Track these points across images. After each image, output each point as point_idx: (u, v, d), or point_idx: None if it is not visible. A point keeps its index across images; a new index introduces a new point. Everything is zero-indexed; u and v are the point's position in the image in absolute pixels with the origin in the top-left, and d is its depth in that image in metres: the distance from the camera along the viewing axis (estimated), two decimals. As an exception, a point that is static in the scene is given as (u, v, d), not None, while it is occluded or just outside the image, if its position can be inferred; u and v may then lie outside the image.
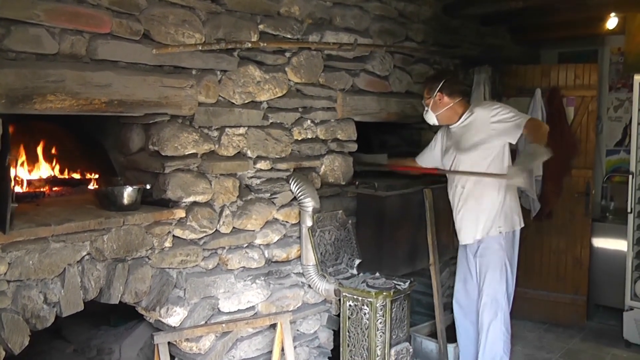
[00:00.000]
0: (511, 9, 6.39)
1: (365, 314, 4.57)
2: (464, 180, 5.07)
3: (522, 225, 5.15)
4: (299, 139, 4.87)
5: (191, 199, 4.13)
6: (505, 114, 4.89)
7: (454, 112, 5.12)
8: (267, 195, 4.67)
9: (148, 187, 4.02)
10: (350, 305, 4.66)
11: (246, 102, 4.44)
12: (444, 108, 5.10)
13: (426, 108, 5.18)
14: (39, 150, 4.46)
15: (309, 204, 4.74)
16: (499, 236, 4.99)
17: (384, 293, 4.51)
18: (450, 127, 5.22)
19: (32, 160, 4.40)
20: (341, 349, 4.78)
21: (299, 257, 4.90)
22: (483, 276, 5.06)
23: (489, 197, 4.98)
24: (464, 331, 5.42)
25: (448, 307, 6.37)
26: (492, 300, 5.02)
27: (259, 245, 4.65)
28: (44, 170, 4.46)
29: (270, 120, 4.64)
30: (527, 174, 4.68)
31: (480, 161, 4.94)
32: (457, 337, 5.49)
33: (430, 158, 5.48)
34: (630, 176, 6.44)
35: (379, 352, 4.54)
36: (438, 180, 5.59)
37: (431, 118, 5.20)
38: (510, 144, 4.98)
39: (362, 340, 4.61)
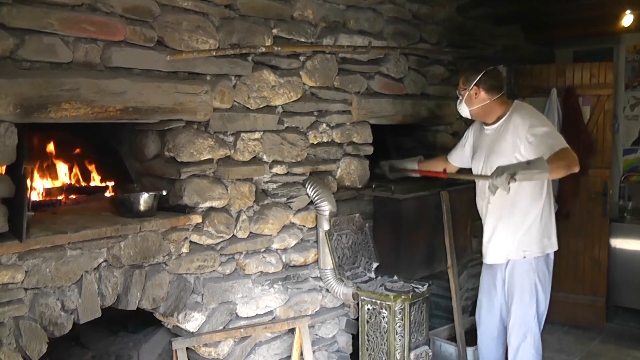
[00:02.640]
0: (525, 8, 6.36)
1: (383, 317, 4.55)
2: (489, 193, 4.39)
3: (556, 248, 4.80)
4: (315, 142, 4.86)
5: (207, 204, 4.13)
6: (542, 131, 4.43)
7: (491, 110, 4.74)
8: (284, 199, 4.66)
9: (164, 193, 4.02)
10: (368, 309, 4.64)
11: (261, 106, 4.44)
12: (480, 104, 4.71)
13: (460, 98, 4.83)
14: (55, 158, 4.48)
15: (326, 207, 4.73)
16: (529, 258, 4.68)
17: (403, 296, 4.49)
18: (484, 127, 4.88)
19: (48, 168, 4.41)
20: (360, 353, 4.76)
21: (317, 261, 4.89)
22: (512, 297, 4.77)
23: (517, 217, 4.68)
24: (486, 349, 5.13)
25: (467, 310, 6.35)
26: (521, 323, 4.76)
27: (276, 249, 4.64)
28: (60, 178, 4.47)
29: (286, 125, 4.63)
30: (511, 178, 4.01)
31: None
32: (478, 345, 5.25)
33: (460, 156, 5.23)
34: (648, 175, 6.40)
35: (398, 356, 4.52)
36: (455, 182, 5.56)
37: (464, 110, 4.84)
38: None
39: (381, 344, 4.59)
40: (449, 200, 5.45)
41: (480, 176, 4.68)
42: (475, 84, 4.68)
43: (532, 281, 4.70)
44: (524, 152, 4.46)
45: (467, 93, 4.74)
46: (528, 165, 4.12)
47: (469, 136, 5.15)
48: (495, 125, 4.75)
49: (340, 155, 5.09)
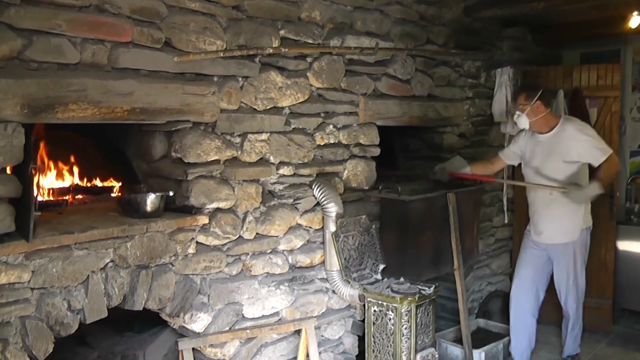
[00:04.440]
0: (532, 10, 6.34)
1: (390, 319, 4.55)
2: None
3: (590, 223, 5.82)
4: (322, 144, 4.86)
5: (214, 205, 4.13)
6: (595, 140, 5.38)
7: (546, 122, 5.48)
8: (290, 200, 4.66)
9: (171, 194, 4.03)
10: (375, 311, 4.64)
11: (268, 107, 4.44)
12: (539, 116, 5.45)
13: (518, 113, 5.53)
14: (62, 159, 4.48)
15: (332, 209, 4.73)
16: (581, 234, 5.65)
17: (409, 298, 4.49)
18: (538, 135, 5.59)
19: (55, 169, 4.42)
20: (366, 355, 4.77)
21: (323, 263, 4.89)
22: (570, 271, 5.68)
23: (572, 204, 5.47)
24: (522, 323, 5.84)
25: (473, 312, 6.33)
26: (579, 291, 5.78)
27: (283, 251, 4.64)
28: (67, 178, 4.48)
29: (293, 126, 4.63)
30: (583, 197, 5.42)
31: (562, 172, 5.45)
32: (512, 320, 5.91)
33: (510, 155, 5.96)
34: (655, 177, 6.38)
35: (404, 358, 4.52)
36: (461, 184, 5.58)
37: (524, 123, 5.53)
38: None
39: (388, 346, 4.59)
40: (455, 202, 5.44)
41: (547, 185, 5.55)
42: (537, 99, 5.42)
43: (583, 255, 5.77)
44: (577, 153, 5.40)
45: (528, 107, 5.45)
46: (586, 194, 5.41)
47: (519, 141, 5.86)
48: (550, 134, 5.51)
49: (347, 156, 5.09)
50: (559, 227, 5.58)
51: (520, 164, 5.97)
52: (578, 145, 5.38)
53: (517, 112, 5.57)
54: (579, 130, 5.45)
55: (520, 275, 5.87)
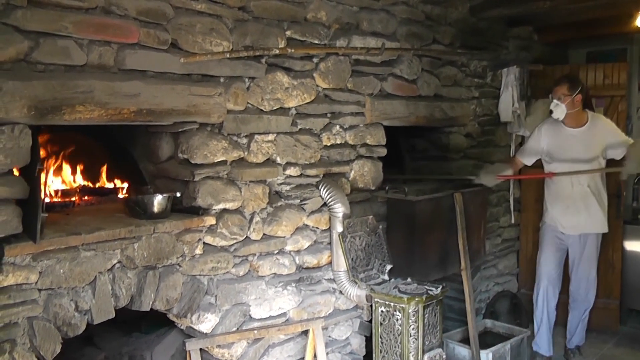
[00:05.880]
0: (538, 9, 6.33)
1: (397, 319, 4.54)
2: (588, 180, 5.82)
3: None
4: (328, 144, 4.85)
5: (221, 206, 4.13)
6: (619, 133, 5.81)
7: (579, 116, 5.80)
8: (297, 201, 4.66)
9: (178, 195, 4.03)
10: (382, 311, 4.64)
11: (275, 108, 4.44)
12: (576, 109, 5.74)
13: (557, 102, 5.72)
14: (69, 160, 4.49)
15: (339, 209, 4.72)
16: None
17: (416, 299, 4.49)
18: (568, 129, 5.85)
19: (62, 170, 4.42)
20: (374, 355, 4.76)
21: (330, 263, 4.89)
22: (593, 260, 6.01)
23: (605, 196, 5.93)
24: (551, 319, 6.15)
25: (480, 313, 6.32)
26: (593, 282, 6.05)
27: (290, 251, 4.64)
28: (74, 180, 4.48)
29: (299, 126, 4.63)
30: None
31: (597, 163, 5.75)
32: (540, 316, 6.17)
33: (533, 155, 6.13)
34: (663, 177, 6.36)
35: (412, 359, 4.51)
36: (468, 184, 5.58)
37: (561, 113, 5.73)
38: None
39: (395, 347, 4.58)
40: (462, 202, 5.43)
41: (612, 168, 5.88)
42: (578, 92, 5.69)
43: (598, 251, 6.07)
44: (607, 145, 5.74)
45: (570, 99, 5.69)
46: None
47: (540, 140, 6.05)
48: (582, 128, 5.82)
49: (353, 157, 5.08)
50: (594, 217, 5.87)
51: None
52: (610, 134, 5.75)
53: (556, 102, 5.73)
54: (608, 122, 5.89)
55: (549, 272, 6.10)
